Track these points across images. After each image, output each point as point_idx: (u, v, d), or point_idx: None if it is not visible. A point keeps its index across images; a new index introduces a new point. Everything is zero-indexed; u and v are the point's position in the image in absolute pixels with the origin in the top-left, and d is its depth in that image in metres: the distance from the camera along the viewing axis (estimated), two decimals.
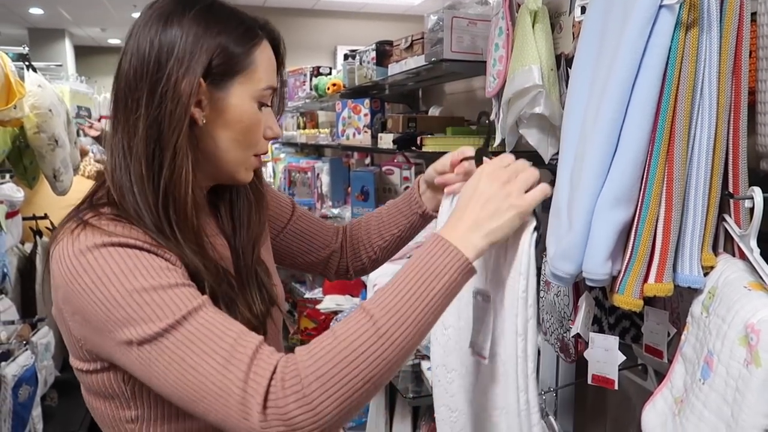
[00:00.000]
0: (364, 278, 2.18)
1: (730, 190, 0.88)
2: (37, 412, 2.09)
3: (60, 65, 4.27)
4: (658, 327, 1.06)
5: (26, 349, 2.05)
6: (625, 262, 0.91)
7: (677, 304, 1.08)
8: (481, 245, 0.80)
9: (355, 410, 0.70)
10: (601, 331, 1.17)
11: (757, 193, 0.79)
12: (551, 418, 1.31)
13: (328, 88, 3.09)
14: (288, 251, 1.18)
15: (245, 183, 0.90)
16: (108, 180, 0.81)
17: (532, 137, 1.29)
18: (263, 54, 0.84)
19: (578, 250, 0.92)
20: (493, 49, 1.39)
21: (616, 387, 1.03)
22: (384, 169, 2.71)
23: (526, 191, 0.86)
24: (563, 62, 1.27)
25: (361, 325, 0.71)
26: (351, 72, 2.69)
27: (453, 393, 1.01)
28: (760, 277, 0.80)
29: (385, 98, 2.75)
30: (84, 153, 3.58)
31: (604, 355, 1.02)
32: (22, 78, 2.28)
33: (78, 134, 3.92)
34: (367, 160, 3.46)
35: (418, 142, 1.85)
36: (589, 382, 1.05)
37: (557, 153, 1.15)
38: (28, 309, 2.58)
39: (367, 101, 2.57)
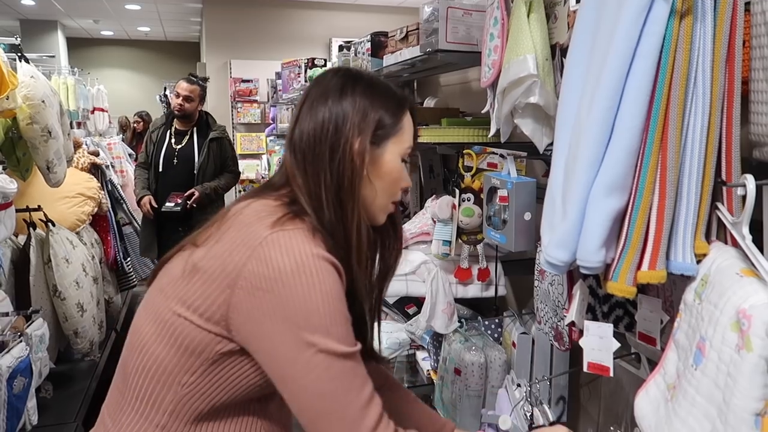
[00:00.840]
0: None
1: (723, 178, 0.89)
2: (32, 403, 2.09)
3: (53, 56, 4.23)
4: (652, 315, 1.07)
5: (21, 341, 2.04)
6: (619, 249, 0.91)
7: (670, 293, 1.09)
8: None
9: None
10: (594, 319, 1.18)
11: (750, 180, 0.80)
12: (545, 406, 1.32)
13: None
14: None
15: (380, 224, 1.03)
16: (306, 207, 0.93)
17: (527, 127, 1.30)
18: (407, 120, 1.01)
19: (572, 238, 0.93)
20: (488, 39, 1.39)
21: (611, 374, 1.04)
22: None
23: None
24: (558, 52, 1.27)
25: None
26: (346, 63, 2.68)
27: None
28: (752, 264, 0.80)
29: None
30: (78, 145, 3.56)
31: (599, 343, 1.03)
32: (14, 69, 2.26)
33: (71, 126, 3.90)
34: None
35: None
36: (585, 369, 1.06)
37: (552, 143, 1.16)
38: (23, 301, 2.57)
39: None
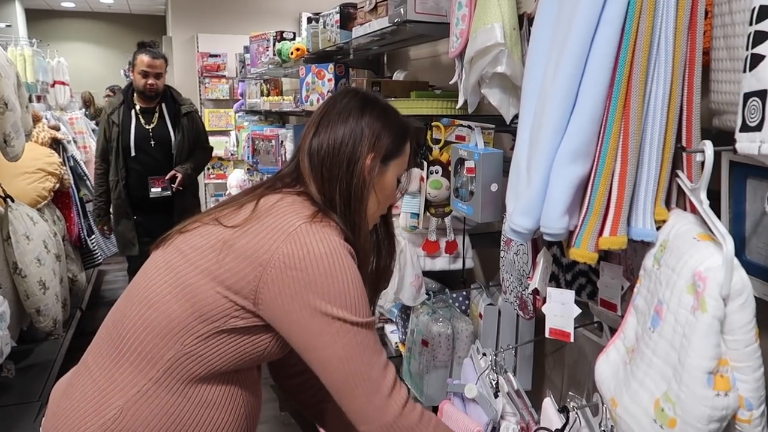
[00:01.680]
0: None
1: (683, 144, 0.90)
2: None
3: (9, 26, 4.06)
4: (613, 281, 1.09)
5: None
6: (582, 216, 0.92)
7: (631, 261, 1.11)
8: None
9: None
10: (558, 287, 1.20)
11: (708, 146, 0.81)
12: (510, 375, 1.35)
13: (292, 53, 3.03)
14: None
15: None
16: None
17: (494, 97, 1.29)
18: (408, 147, 1.15)
19: (536, 205, 0.94)
20: (456, 8, 1.38)
21: (572, 339, 1.06)
22: None
23: None
24: (525, 22, 1.26)
25: None
26: (315, 36, 2.64)
27: None
28: (709, 229, 0.82)
29: (350, 64, 2.71)
30: (37, 119, 3.44)
31: (561, 309, 1.05)
32: None
33: (30, 99, 3.76)
34: None
35: None
36: (547, 335, 1.08)
37: (519, 115, 1.16)
38: None
39: (331, 66, 2.53)
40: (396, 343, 2.14)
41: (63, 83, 5.16)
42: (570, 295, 1.05)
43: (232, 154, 5.25)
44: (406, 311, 1.98)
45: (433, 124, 1.73)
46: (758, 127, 0.66)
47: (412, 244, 1.84)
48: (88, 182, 3.92)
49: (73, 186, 3.58)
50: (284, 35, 3.50)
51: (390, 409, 0.96)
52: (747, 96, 0.69)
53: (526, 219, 0.95)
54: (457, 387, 1.40)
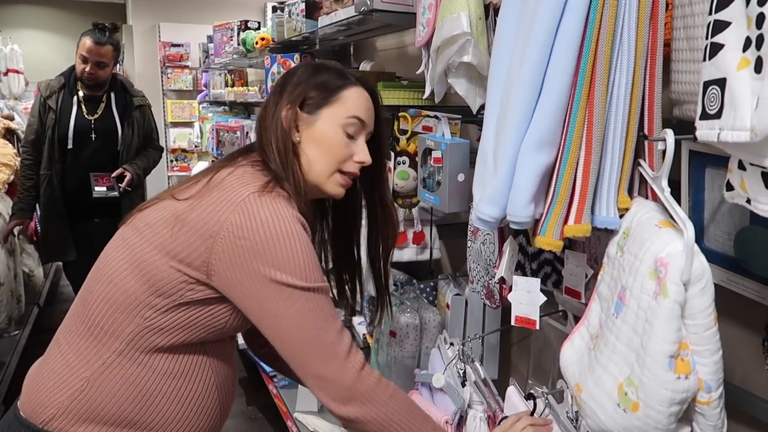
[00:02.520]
0: None
1: (645, 133, 0.92)
2: None
3: None
4: (577, 269, 1.10)
5: None
6: (547, 204, 0.93)
7: (595, 249, 1.13)
8: None
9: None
10: (524, 276, 1.21)
11: (669, 134, 0.82)
12: (476, 364, 1.35)
13: (257, 43, 2.98)
14: None
15: (333, 196, 1.11)
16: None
17: (461, 87, 1.29)
18: (352, 94, 1.09)
19: (503, 194, 0.94)
20: None
21: (538, 327, 1.08)
22: None
23: None
24: (492, 12, 1.26)
25: None
26: (280, 25, 2.60)
27: None
28: (670, 216, 0.84)
29: (316, 54, 2.68)
30: None
31: (527, 297, 1.06)
32: None
33: None
34: None
35: None
36: (513, 323, 1.09)
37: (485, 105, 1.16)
38: None
39: (297, 56, 2.50)
40: (364, 334, 2.14)
41: (17, 71, 4.97)
42: (536, 283, 1.06)
43: (196, 146, 5.14)
44: (374, 302, 1.97)
45: (400, 114, 1.72)
46: (717, 115, 0.67)
47: None
48: None
49: None
50: (249, 25, 3.44)
51: (346, 373, 0.96)
52: (706, 84, 0.70)
53: (493, 207, 0.95)
54: (424, 377, 1.40)
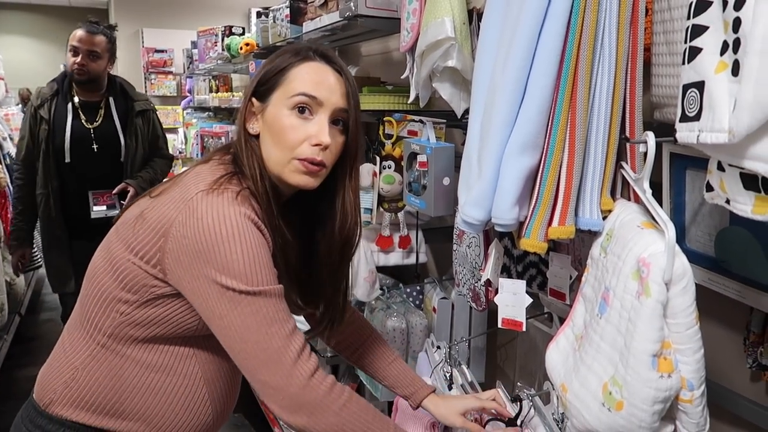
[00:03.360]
0: None
1: (627, 135, 0.93)
2: None
3: None
4: (561, 271, 1.11)
5: None
6: (531, 207, 0.94)
7: (579, 251, 1.14)
8: None
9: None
10: (509, 278, 1.22)
11: (650, 137, 0.84)
12: (463, 367, 1.36)
13: (241, 48, 2.98)
14: None
15: (299, 186, 1.02)
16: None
17: (445, 91, 1.30)
18: (302, 70, 1.01)
19: (488, 197, 0.95)
20: (407, 3, 1.38)
21: (524, 329, 1.08)
22: None
23: None
24: (475, 17, 1.28)
25: None
26: (264, 30, 2.60)
27: None
28: (652, 217, 0.85)
29: None
30: None
31: (513, 299, 1.06)
32: None
33: None
34: None
35: None
36: (499, 325, 1.10)
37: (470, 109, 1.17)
38: None
39: None
40: None
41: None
42: (521, 284, 1.06)
43: (180, 152, 5.11)
44: (360, 307, 1.97)
45: (385, 119, 1.73)
46: (696, 117, 0.68)
47: (366, 239, 1.84)
48: None
49: (10, 185, 3.41)
50: (233, 30, 3.44)
51: (293, 381, 0.91)
52: (686, 87, 0.71)
53: (478, 210, 0.96)
54: None
